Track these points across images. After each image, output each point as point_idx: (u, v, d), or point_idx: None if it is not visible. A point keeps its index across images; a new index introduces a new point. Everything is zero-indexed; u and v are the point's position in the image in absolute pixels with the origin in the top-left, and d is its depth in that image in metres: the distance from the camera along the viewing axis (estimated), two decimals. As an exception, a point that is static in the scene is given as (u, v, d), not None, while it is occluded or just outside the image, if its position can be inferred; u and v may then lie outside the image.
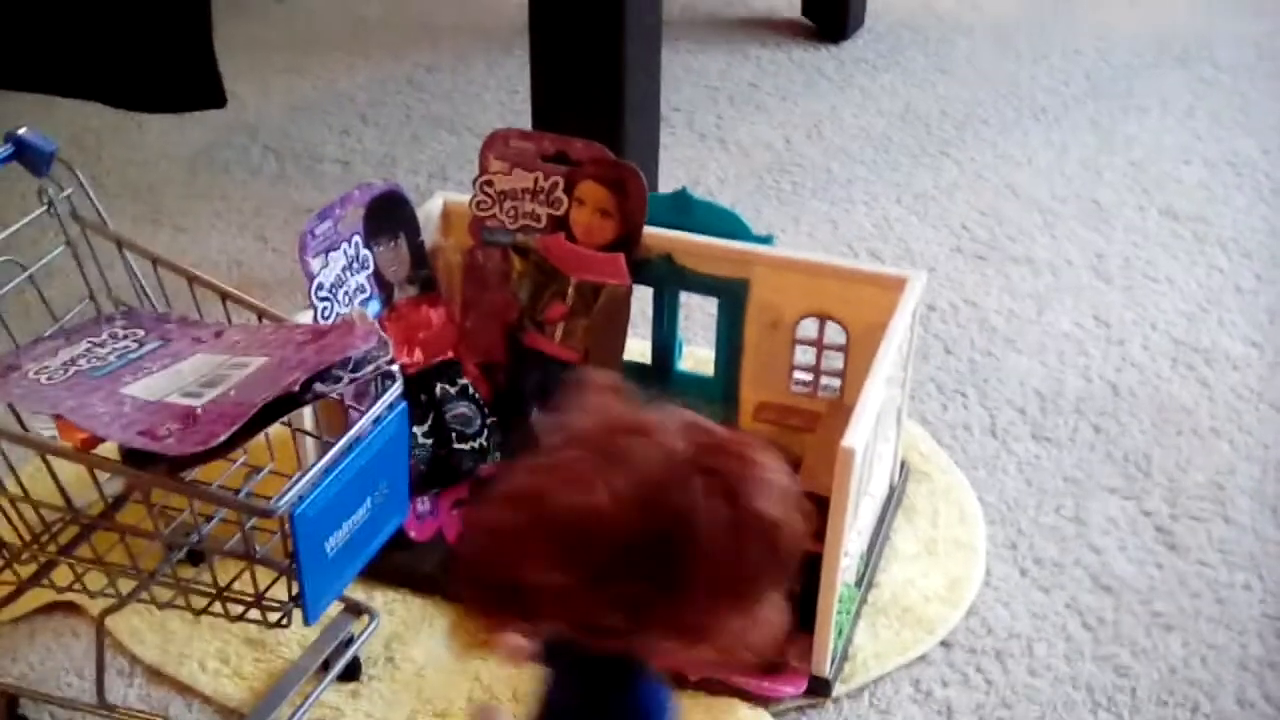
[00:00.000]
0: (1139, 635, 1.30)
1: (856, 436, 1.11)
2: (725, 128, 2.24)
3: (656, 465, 0.75)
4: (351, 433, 1.02)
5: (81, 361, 1.12)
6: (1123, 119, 2.26)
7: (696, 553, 0.73)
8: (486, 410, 1.39)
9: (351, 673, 1.24)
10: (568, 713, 0.83)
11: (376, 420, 1.05)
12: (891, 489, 1.41)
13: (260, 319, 1.16)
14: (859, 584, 1.29)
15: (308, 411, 1.22)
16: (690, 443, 0.77)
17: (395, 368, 1.07)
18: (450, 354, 1.39)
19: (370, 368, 1.03)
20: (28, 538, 1.12)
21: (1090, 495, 1.47)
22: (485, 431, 1.38)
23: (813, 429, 1.40)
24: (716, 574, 0.74)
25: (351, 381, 1.02)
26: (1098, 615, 1.32)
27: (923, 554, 1.38)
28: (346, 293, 1.29)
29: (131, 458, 0.99)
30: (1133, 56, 2.48)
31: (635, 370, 1.47)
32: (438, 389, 1.36)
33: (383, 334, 1.05)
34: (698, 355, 1.54)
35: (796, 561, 0.76)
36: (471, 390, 1.39)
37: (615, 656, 0.78)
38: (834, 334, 1.37)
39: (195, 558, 1.23)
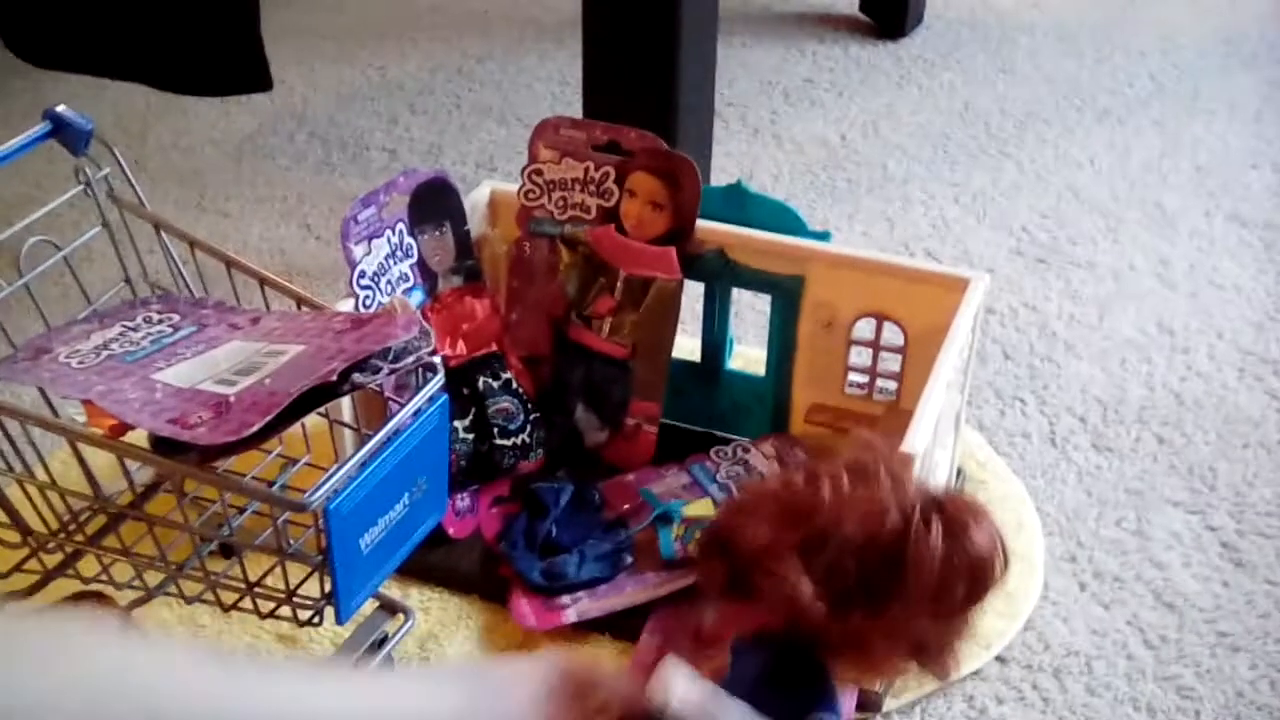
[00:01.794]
0: (1204, 656, 1.24)
1: (916, 441, 1.06)
2: (780, 123, 2.19)
3: (893, 493, 0.86)
4: (390, 425, 0.98)
5: (114, 345, 1.09)
6: (1188, 122, 2.19)
7: (909, 571, 0.84)
8: (530, 405, 1.35)
9: (385, 673, 1.20)
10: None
11: (416, 413, 1.01)
12: (947, 497, 1.35)
13: (299, 306, 1.12)
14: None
15: (346, 402, 1.18)
16: (927, 489, 0.87)
17: (437, 359, 1.03)
18: (494, 347, 1.35)
19: (411, 359, 0.99)
20: (54, 526, 1.09)
21: (1153, 508, 1.41)
22: (528, 427, 1.35)
23: (866, 433, 1.35)
24: (921, 594, 0.84)
25: (391, 373, 0.98)
26: (1160, 634, 1.27)
27: (978, 565, 1.33)
28: (389, 281, 1.26)
29: (161, 446, 0.96)
30: (1199, 58, 2.42)
31: (684, 368, 1.43)
32: (480, 382, 1.32)
33: (425, 324, 1.01)
34: (748, 355, 1.49)
35: (989, 598, 0.90)
36: (515, 385, 1.35)
37: (806, 650, 0.88)
38: (891, 335, 1.33)
39: (227, 550, 1.19)
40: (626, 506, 1.33)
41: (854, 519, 0.84)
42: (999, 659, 1.24)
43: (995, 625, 1.26)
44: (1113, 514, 1.41)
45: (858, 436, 0.92)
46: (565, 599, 1.24)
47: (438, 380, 1.03)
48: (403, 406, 1.01)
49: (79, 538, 1.10)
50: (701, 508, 1.30)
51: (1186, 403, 1.56)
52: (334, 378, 0.95)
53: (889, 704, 1.18)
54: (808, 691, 0.89)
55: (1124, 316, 1.72)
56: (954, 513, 0.86)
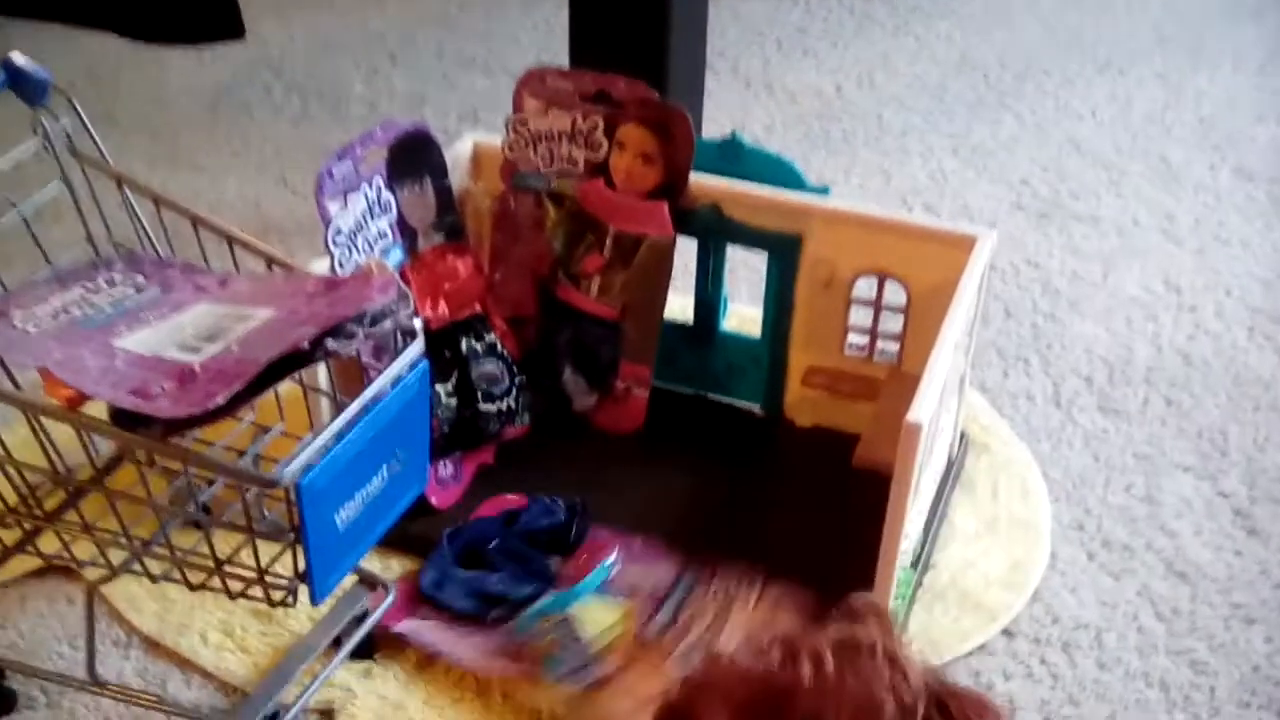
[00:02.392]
0: (1217, 628, 1.20)
1: (923, 409, 1.01)
2: (772, 73, 2.12)
3: (890, 681, 0.71)
4: (367, 394, 0.93)
5: (74, 309, 1.03)
6: (1192, 73, 2.13)
7: None
8: (515, 369, 1.29)
9: (365, 650, 1.15)
10: None
11: (395, 381, 0.95)
12: (950, 462, 1.30)
13: (270, 266, 1.06)
14: (915, 565, 1.19)
15: (321, 368, 1.12)
16: (930, 681, 0.72)
17: (417, 323, 0.97)
18: (477, 308, 1.28)
19: (388, 323, 0.93)
20: (12, 502, 1.03)
21: (1162, 473, 1.36)
22: (513, 391, 1.29)
23: (865, 396, 1.30)
24: None
25: (367, 338, 0.92)
26: (1172, 605, 1.22)
27: (983, 533, 1.28)
28: (366, 239, 1.19)
29: (122, 418, 0.90)
30: (1202, 8, 2.35)
31: (676, 330, 1.37)
32: (463, 345, 1.26)
33: (403, 286, 0.95)
34: (742, 315, 1.43)
35: None
36: (499, 347, 1.29)
37: None
38: (893, 294, 1.27)
39: (199, 521, 1.14)
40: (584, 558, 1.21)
41: (840, 712, 0.70)
42: (1005, 632, 1.19)
43: (1001, 597, 1.21)
44: (1121, 479, 1.36)
45: (851, 601, 0.77)
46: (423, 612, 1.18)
47: (417, 346, 0.97)
48: (380, 373, 0.95)
49: (38, 513, 1.04)
50: (599, 613, 1.14)
51: (1195, 363, 1.51)
52: (306, 345, 0.89)
53: (891, 681, 1.13)
54: None
55: (1129, 273, 1.66)
56: (961, 714, 0.72)
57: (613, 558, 1.18)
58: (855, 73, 2.13)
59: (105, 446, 1.11)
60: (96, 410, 0.94)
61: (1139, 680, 1.15)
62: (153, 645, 1.17)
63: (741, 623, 1.06)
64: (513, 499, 1.25)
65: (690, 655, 1.05)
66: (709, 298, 1.36)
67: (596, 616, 1.10)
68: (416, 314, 0.96)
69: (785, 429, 1.36)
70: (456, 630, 1.14)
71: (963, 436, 1.35)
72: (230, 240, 1.07)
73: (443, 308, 1.25)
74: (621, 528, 1.24)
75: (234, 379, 0.86)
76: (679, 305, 1.37)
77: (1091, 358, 1.52)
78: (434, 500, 1.25)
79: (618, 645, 1.07)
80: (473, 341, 1.27)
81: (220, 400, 0.85)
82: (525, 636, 1.10)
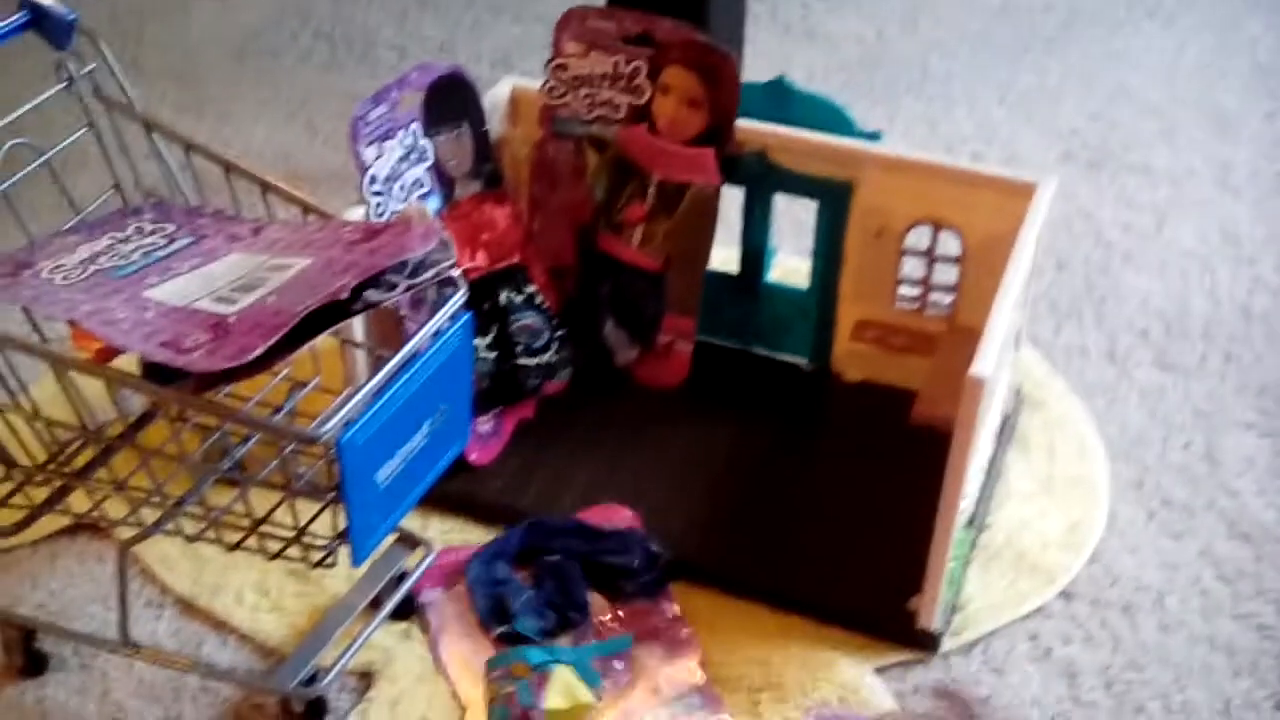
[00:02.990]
0: (1284, 590, 1.16)
1: (985, 364, 0.96)
2: (813, 19, 2.07)
3: None
4: (408, 348, 0.89)
5: (102, 259, 0.99)
6: (1245, 18, 2.07)
7: None
8: (555, 322, 1.25)
9: (404, 611, 1.11)
10: None
11: (436, 334, 0.92)
12: (1005, 419, 1.26)
13: (305, 214, 1.02)
14: (970, 525, 1.15)
15: (358, 321, 1.08)
16: None
17: (458, 273, 0.93)
18: (516, 258, 1.24)
19: (430, 273, 0.89)
20: (41, 458, 1.00)
21: (1223, 431, 1.32)
22: (554, 345, 1.25)
23: (916, 350, 1.26)
24: None
25: (408, 289, 0.88)
26: (1236, 566, 1.18)
27: (1039, 493, 1.24)
28: (403, 186, 1.15)
29: (154, 372, 0.86)
30: (1253, -50, 2.28)
31: (720, 281, 1.33)
32: (502, 297, 1.22)
33: (445, 235, 0.91)
34: (788, 266, 1.39)
35: None
36: (539, 299, 1.25)
37: None
38: (947, 245, 1.22)
39: (234, 479, 1.10)
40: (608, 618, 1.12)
41: None
42: (1064, 594, 1.15)
43: (1059, 558, 1.17)
44: (1180, 437, 1.31)
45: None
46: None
47: (459, 297, 0.93)
48: (421, 326, 0.91)
49: (67, 471, 1.00)
50: (571, 687, 1.03)
51: (1254, 317, 1.46)
52: (345, 295, 0.85)
53: (947, 643, 1.09)
54: None
55: (1184, 225, 1.61)
56: None
57: (633, 636, 1.09)
58: (897, 18, 2.07)
59: (136, 402, 1.08)
60: (127, 364, 0.91)
61: (1203, 644, 1.11)
62: (186, 606, 1.14)
63: None
64: (625, 514, 1.18)
65: None
66: (755, 248, 1.32)
67: (566, 689, 1.03)
68: (457, 264, 0.92)
69: (833, 384, 1.32)
70: (461, 627, 1.11)
71: (1017, 393, 1.31)
72: (264, 187, 1.03)
73: (481, 258, 1.21)
74: (662, 488, 1.20)
75: (270, 331, 0.82)
76: (723, 257, 1.33)
77: (1147, 311, 1.47)
78: (473, 457, 1.21)
79: None
80: (512, 294, 1.23)
81: (257, 353, 0.81)
82: (496, 672, 1.05)
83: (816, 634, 1.10)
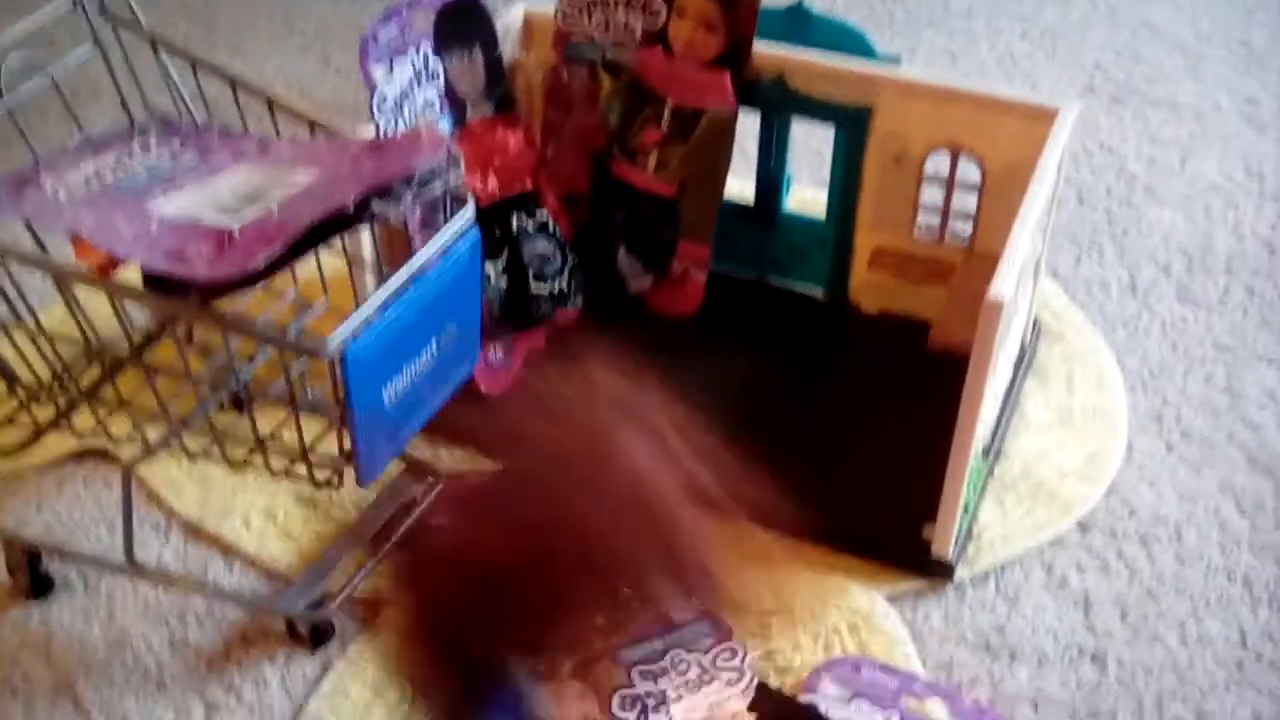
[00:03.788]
0: (1304, 524, 1.14)
1: (1004, 286, 0.94)
2: (832, -47, 2.04)
3: None
4: (415, 261, 0.87)
5: (107, 176, 0.98)
6: (1273, -48, 2.03)
7: None
8: (568, 248, 1.24)
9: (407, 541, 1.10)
10: None
11: (445, 251, 0.90)
12: (1023, 349, 1.24)
13: (312, 130, 1.00)
14: (986, 455, 1.13)
15: (367, 242, 1.07)
16: None
17: (466, 189, 0.91)
18: (528, 184, 1.22)
19: (438, 185, 0.87)
20: (46, 378, 0.99)
21: (1244, 364, 1.30)
22: (566, 272, 1.23)
23: (935, 280, 1.24)
24: None
25: (416, 201, 0.87)
26: (1255, 500, 1.16)
27: (1057, 424, 1.22)
28: (413, 108, 1.13)
29: (157, 284, 0.85)
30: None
31: (735, 211, 1.31)
32: (514, 222, 1.20)
33: (454, 148, 0.89)
34: (804, 198, 1.37)
35: None
36: (552, 226, 1.23)
37: None
38: (967, 173, 1.20)
39: (238, 405, 1.09)
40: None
41: None
42: (1080, 525, 1.13)
43: (1076, 489, 1.15)
44: (1200, 370, 1.29)
45: None
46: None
47: (468, 213, 0.91)
48: (429, 242, 0.89)
49: (73, 390, 0.99)
50: None
51: (1279, 252, 1.44)
52: (351, 206, 0.83)
53: (961, 572, 1.08)
54: None
55: (1208, 160, 1.59)
56: None
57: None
58: (919, -47, 2.04)
59: (142, 322, 1.06)
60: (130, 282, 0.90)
61: (1221, 576, 1.09)
62: (193, 530, 1.13)
63: (705, 705, 0.99)
64: None
65: (633, 703, 0.99)
66: (771, 175, 1.30)
67: None
68: (466, 180, 0.91)
69: (850, 314, 1.30)
70: None
71: (1035, 324, 1.29)
72: (271, 103, 1.01)
73: (492, 182, 1.19)
74: (677, 415, 1.19)
75: (274, 241, 0.81)
76: (738, 186, 1.31)
77: (1169, 245, 1.45)
78: (484, 386, 1.20)
79: (573, 654, 0.99)
80: (524, 219, 1.21)
81: (259, 262, 0.80)
82: None
83: (828, 561, 1.09)
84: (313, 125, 1.00)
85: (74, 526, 1.14)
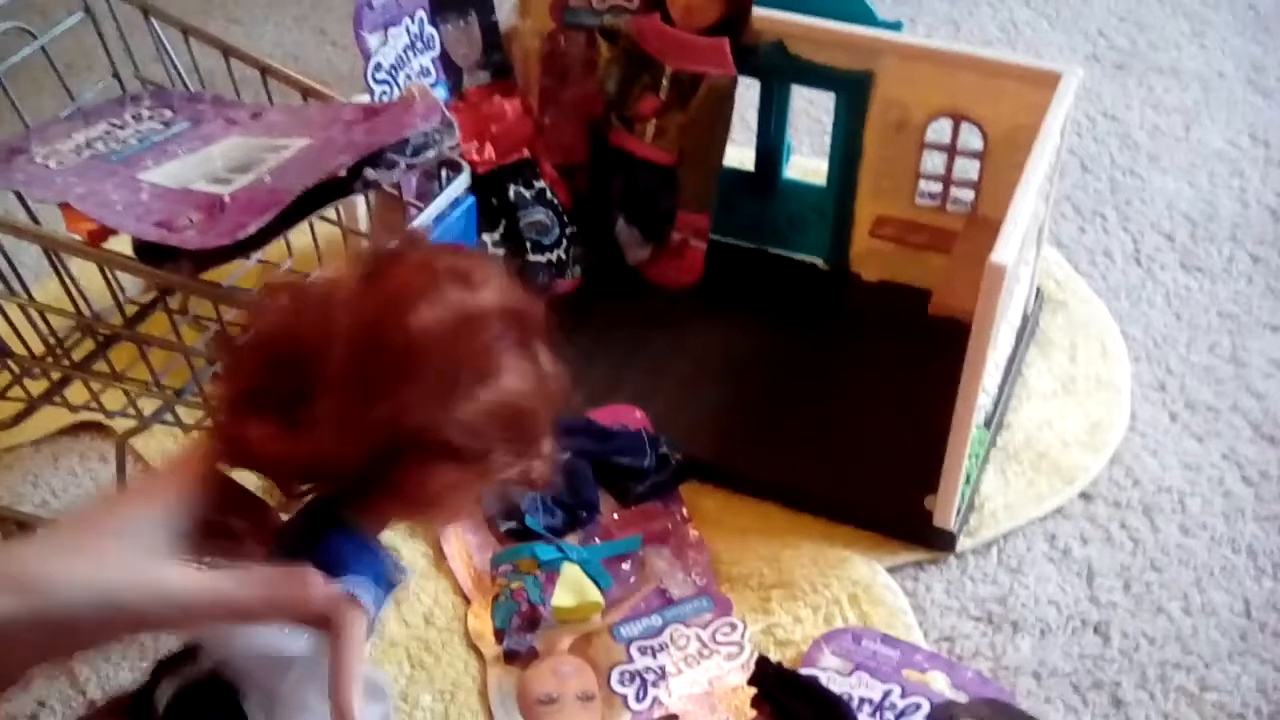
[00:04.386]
0: (1309, 493, 1.13)
1: (1006, 251, 0.93)
2: (833, -80, 2.02)
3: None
4: (410, 229, 0.86)
5: (98, 145, 0.97)
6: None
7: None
8: (566, 218, 1.23)
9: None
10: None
11: (439, 218, 0.89)
12: (1025, 318, 1.23)
13: (305, 98, 0.99)
14: (988, 425, 1.12)
15: (361, 209, 1.06)
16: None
17: (461, 156, 0.90)
18: (525, 153, 1.21)
19: (432, 152, 0.86)
20: (39, 351, 0.98)
21: (1249, 333, 1.28)
22: (564, 242, 1.22)
23: (937, 248, 1.22)
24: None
25: (410, 168, 0.86)
26: (1260, 469, 1.15)
27: (1060, 393, 1.21)
28: (408, 76, 1.12)
29: (148, 253, 0.84)
30: None
31: (735, 179, 1.30)
32: (511, 191, 1.19)
33: (448, 114, 0.88)
34: (805, 167, 1.35)
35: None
36: (550, 195, 1.22)
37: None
38: (969, 139, 1.19)
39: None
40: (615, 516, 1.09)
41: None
42: (1083, 495, 1.12)
43: (1079, 459, 1.14)
44: (1205, 339, 1.28)
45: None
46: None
47: (463, 179, 0.90)
48: (423, 210, 0.88)
49: (66, 363, 0.98)
50: (579, 586, 1.02)
51: (1284, 219, 1.43)
52: (343, 173, 0.82)
53: (964, 543, 1.07)
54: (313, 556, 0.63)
55: (1213, 127, 1.57)
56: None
57: (642, 538, 1.07)
58: (920, -80, 2.02)
59: (135, 293, 1.05)
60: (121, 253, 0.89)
61: (1225, 546, 1.08)
62: (189, 503, 1.12)
63: (705, 679, 0.96)
64: (638, 416, 1.15)
65: (631, 680, 0.97)
66: (771, 143, 1.28)
67: (575, 587, 1.01)
68: (460, 146, 0.90)
69: (851, 283, 1.29)
70: (467, 522, 1.08)
71: (1038, 293, 1.28)
72: (264, 71, 1.00)
73: (489, 151, 1.18)
74: (674, 388, 1.18)
75: (266, 209, 0.80)
76: (738, 155, 1.30)
77: (1173, 213, 1.43)
78: (481, 356, 1.18)
79: (571, 629, 0.99)
80: (521, 188, 1.20)
81: (251, 230, 0.79)
82: (503, 567, 1.03)
83: (829, 532, 1.08)
84: (306, 93, 0.98)
85: (70, 502, 1.12)
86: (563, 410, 0.65)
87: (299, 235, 0.96)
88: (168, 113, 1.01)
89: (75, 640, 0.59)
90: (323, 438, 0.59)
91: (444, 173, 0.89)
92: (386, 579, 0.64)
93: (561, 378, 0.64)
